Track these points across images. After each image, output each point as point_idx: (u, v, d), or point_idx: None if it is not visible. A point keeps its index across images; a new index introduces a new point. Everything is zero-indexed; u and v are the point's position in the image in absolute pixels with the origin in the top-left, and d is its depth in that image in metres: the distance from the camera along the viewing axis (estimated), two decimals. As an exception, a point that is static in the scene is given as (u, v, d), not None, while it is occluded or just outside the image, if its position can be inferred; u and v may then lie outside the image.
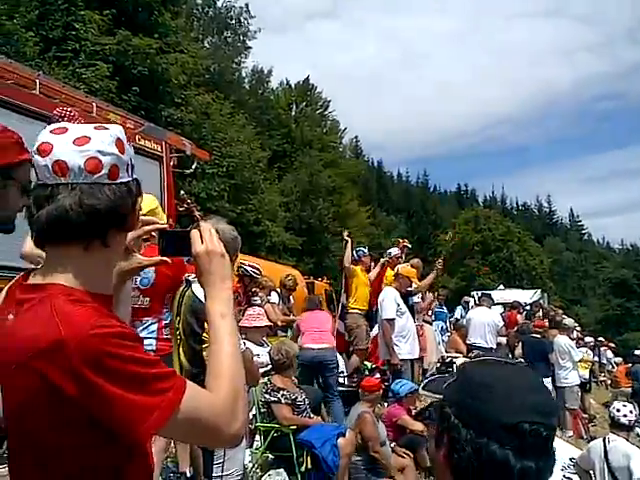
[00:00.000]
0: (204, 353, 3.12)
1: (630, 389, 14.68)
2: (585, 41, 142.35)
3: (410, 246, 9.79)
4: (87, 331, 1.20)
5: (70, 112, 5.41)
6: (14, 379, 1.24)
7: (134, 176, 1.40)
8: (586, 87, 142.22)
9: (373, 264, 9.52)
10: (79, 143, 1.30)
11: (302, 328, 7.30)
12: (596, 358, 19.28)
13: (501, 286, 27.55)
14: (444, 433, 1.14)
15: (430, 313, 12.00)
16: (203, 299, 3.08)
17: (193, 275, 3.41)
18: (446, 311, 14.19)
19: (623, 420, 5.26)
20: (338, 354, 9.19)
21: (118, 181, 1.33)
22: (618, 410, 5.34)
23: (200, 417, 1.28)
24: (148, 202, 3.78)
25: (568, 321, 11.11)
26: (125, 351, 1.22)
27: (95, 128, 1.36)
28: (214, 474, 3.05)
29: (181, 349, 3.23)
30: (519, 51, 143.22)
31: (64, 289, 1.29)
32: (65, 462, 1.26)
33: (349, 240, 8.81)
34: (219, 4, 33.40)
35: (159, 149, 7.34)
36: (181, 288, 3.40)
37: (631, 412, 5.32)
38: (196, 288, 3.22)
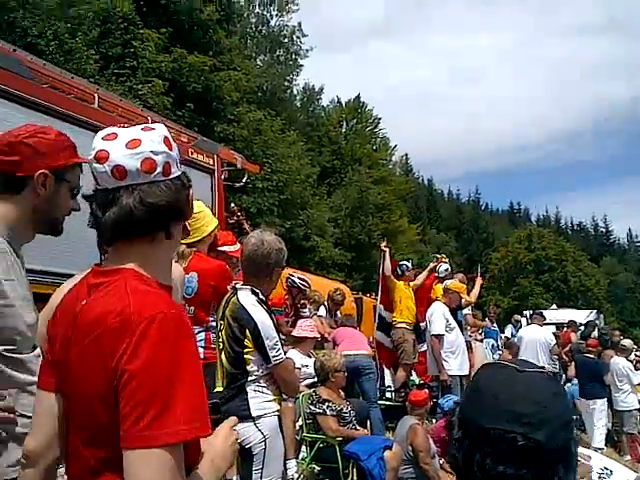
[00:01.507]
0: (245, 356, 3.15)
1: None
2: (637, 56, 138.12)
3: (446, 262, 9.72)
4: (157, 311, 1.25)
5: (124, 125, 5.58)
6: (85, 355, 1.30)
7: (181, 169, 1.47)
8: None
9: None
10: (132, 146, 1.38)
11: (338, 339, 7.38)
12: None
13: (554, 306, 26.87)
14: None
15: (480, 331, 11.81)
16: (248, 308, 3.16)
17: (240, 283, 3.46)
18: (497, 329, 13.92)
19: None
20: (386, 368, 9.15)
21: (171, 176, 1.41)
22: None
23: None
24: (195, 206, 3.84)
25: (626, 342, 10.71)
26: (186, 341, 1.28)
27: (142, 130, 1.43)
28: (253, 481, 3.07)
29: (223, 353, 3.27)
30: (574, 67, 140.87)
31: (136, 273, 1.37)
32: (117, 447, 1.25)
33: (387, 250, 8.82)
34: (272, 23, 34.03)
35: (211, 162, 7.47)
36: (227, 295, 3.43)
37: None
38: (242, 295, 3.25)
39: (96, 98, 6.26)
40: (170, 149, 1.42)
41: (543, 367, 1.24)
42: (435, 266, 9.30)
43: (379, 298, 9.18)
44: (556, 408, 1.10)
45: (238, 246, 4.69)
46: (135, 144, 1.38)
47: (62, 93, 5.88)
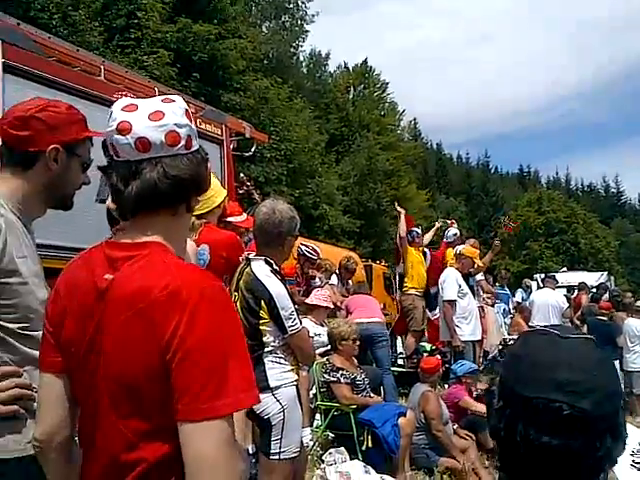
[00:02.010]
0: (261, 327, 3.17)
1: None
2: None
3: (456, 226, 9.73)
4: (206, 285, 1.29)
5: (126, 95, 5.54)
6: (126, 329, 1.28)
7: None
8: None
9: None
10: (155, 118, 1.36)
11: (351, 307, 7.40)
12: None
13: (564, 268, 26.84)
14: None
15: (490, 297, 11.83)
16: (262, 278, 3.16)
17: (253, 253, 3.46)
18: (509, 292, 13.94)
19: None
20: (398, 336, 9.20)
21: (192, 149, 1.41)
22: None
23: (211, 449, 1.20)
24: None
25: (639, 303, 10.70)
26: (232, 313, 1.34)
27: (163, 101, 1.42)
28: (272, 450, 3.10)
29: (238, 324, 3.28)
30: (590, 24, 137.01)
31: (164, 246, 1.38)
32: (163, 413, 1.26)
33: (402, 211, 8.78)
34: (276, -12, 33.47)
35: (219, 132, 7.42)
36: (241, 266, 3.43)
37: None
38: (255, 266, 3.25)
39: (102, 70, 6.21)
40: (191, 122, 1.42)
41: (585, 333, 1.21)
42: (441, 226, 9.31)
43: (400, 260, 9.16)
44: (602, 376, 1.07)
45: (245, 216, 4.70)
46: (158, 116, 1.36)
47: (68, 66, 5.83)
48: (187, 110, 1.43)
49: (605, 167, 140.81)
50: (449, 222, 10.03)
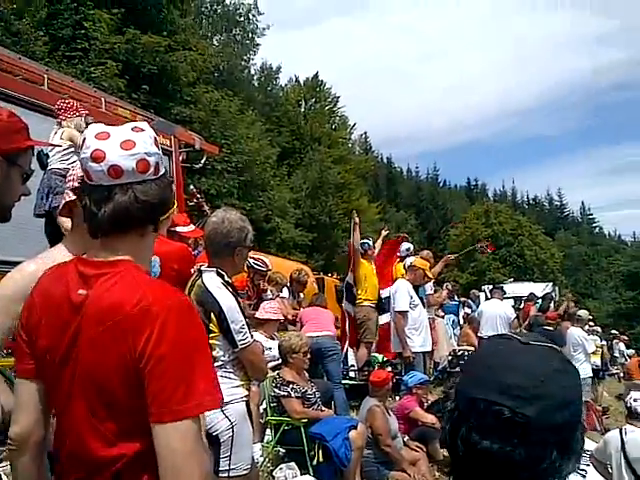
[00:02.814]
0: (211, 341, 3.10)
1: (644, 381, 14.58)
2: (602, 31, 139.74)
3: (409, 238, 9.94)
4: (174, 300, 1.43)
5: (69, 103, 5.41)
6: (100, 340, 1.41)
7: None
8: (603, 76, 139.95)
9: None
10: (127, 147, 1.49)
11: (304, 320, 7.36)
12: (615, 353, 19.10)
13: (511, 279, 27.43)
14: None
15: (440, 308, 11.99)
16: (213, 290, 3.10)
17: (205, 265, 3.39)
18: (458, 303, 14.13)
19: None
20: (350, 348, 9.19)
21: (160, 175, 1.55)
22: (635, 400, 5.22)
23: (178, 454, 1.36)
24: None
25: (582, 313, 11.03)
26: (198, 324, 1.47)
27: (133, 130, 1.54)
28: (220, 467, 3.03)
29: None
30: (535, 42, 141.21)
31: (134, 264, 1.50)
32: (137, 414, 1.39)
33: (357, 222, 8.75)
34: (227, 2, 33.47)
35: (168, 143, 7.34)
36: (192, 277, 3.37)
37: None
38: (206, 278, 3.19)
39: (45, 79, 6.07)
40: (159, 149, 1.57)
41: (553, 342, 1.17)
42: (387, 234, 9.41)
43: (350, 268, 9.15)
44: (554, 385, 1.02)
45: (192, 227, 4.65)
46: (130, 145, 1.49)
47: (9, 75, 5.67)
48: (155, 138, 1.56)
49: (549, 180, 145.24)
50: (401, 235, 10.16)
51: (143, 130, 1.56)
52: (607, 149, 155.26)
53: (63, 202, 2.20)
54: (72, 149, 5.26)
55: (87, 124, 5.36)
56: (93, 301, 1.43)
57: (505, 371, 1.03)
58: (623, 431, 5.05)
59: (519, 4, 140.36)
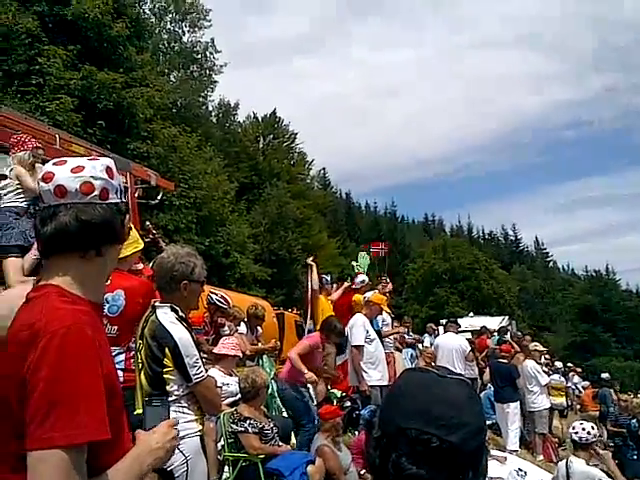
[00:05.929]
0: (165, 376, 3.10)
1: (597, 412, 14.83)
2: (553, 70, 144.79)
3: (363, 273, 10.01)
4: (60, 326, 1.39)
5: (22, 137, 5.42)
6: (2, 364, 1.43)
7: (124, 199, 1.67)
8: (554, 115, 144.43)
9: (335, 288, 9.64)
10: (75, 171, 1.56)
11: None
12: (569, 384, 19.38)
13: (471, 313, 27.76)
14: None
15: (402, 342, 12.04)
16: (167, 325, 3.11)
17: (159, 301, 3.39)
18: (414, 338, 14.20)
19: (577, 438, 5.32)
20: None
21: (108, 201, 1.58)
22: (574, 430, 5.38)
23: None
24: None
25: (532, 345, 11.22)
26: (86, 353, 1.40)
27: (89, 159, 1.63)
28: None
29: (143, 374, 3.20)
30: (487, 80, 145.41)
31: (59, 290, 1.51)
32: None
33: (313, 264, 8.85)
34: (185, 39, 33.75)
35: (124, 180, 7.30)
36: (146, 313, 3.37)
37: (585, 430, 5.30)
38: (160, 313, 3.20)
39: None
40: (111, 178, 1.60)
41: (461, 374, 1.28)
42: (350, 285, 9.42)
43: (309, 312, 9.16)
44: (470, 413, 1.12)
45: (140, 265, 4.69)
46: (79, 169, 1.56)
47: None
48: (110, 168, 1.61)
49: (503, 216, 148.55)
50: (356, 270, 10.19)
51: (98, 159, 1.63)
52: (559, 185, 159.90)
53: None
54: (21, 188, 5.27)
55: (35, 157, 5.36)
56: (11, 325, 1.47)
57: (430, 402, 1.11)
58: (568, 462, 5.25)
59: (470, 41, 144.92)
